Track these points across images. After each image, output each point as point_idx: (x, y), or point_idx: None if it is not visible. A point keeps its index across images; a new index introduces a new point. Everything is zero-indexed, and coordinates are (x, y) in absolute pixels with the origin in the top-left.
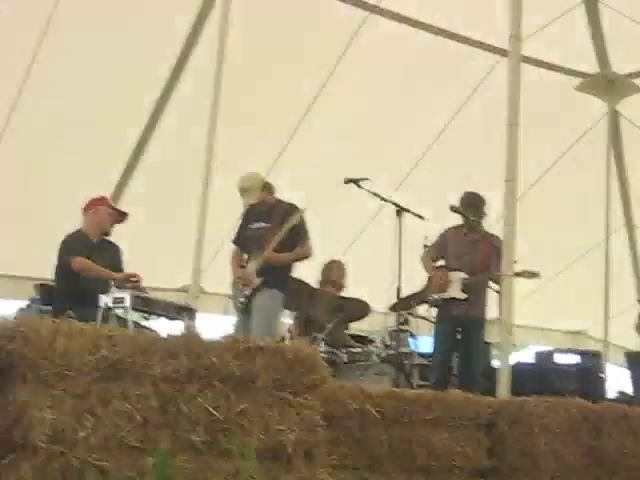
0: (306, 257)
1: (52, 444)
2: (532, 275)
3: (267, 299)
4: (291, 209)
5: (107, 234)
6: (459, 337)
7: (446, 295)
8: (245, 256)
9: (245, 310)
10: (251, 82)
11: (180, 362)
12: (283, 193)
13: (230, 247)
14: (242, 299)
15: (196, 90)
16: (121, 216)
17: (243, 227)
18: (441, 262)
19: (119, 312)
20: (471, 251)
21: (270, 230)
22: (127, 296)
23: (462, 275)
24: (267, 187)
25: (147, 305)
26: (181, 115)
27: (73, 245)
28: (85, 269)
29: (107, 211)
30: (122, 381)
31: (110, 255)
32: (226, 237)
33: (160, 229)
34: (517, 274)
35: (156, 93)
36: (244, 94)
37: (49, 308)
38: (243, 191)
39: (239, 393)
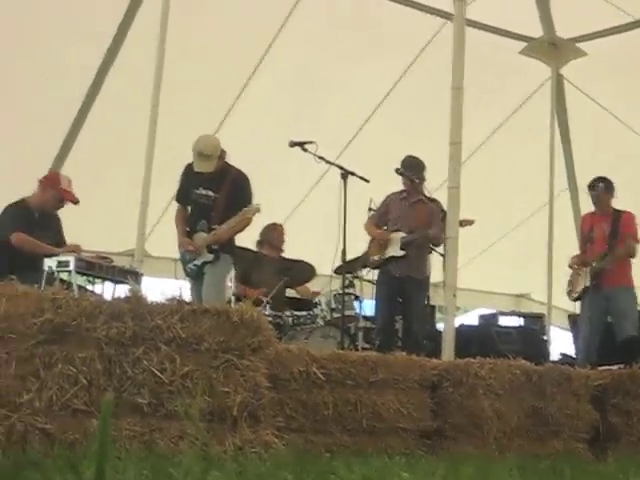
0: (250, 223)
1: None
2: (467, 223)
3: (219, 266)
4: (239, 177)
5: (51, 214)
6: (401, 300)
7: (385, 255)
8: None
9: (197, 276)
10: (195, 46)
11: (125, 324)
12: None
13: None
14: (192, 266)
15: (140, 53)
16: (72, 202)
17: (188, 187)
18: (384, 229)
19: (63, 276)
20: (411, 214)
21: (218, 201)
22: (71, 260)
23: (401, 234)
24: (223, 153)
25: (92, 269)
26: (126, 76)
27: (14, 218)
28: (25, 245)
29: (53, 194)
30: (66, 344)
31: (53, 228)
32: (170, 201)
33: (105, 193)
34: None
35: (99, 57)
36: (188, 58)
37: None
38: (204, 157)
39: (184, 355)
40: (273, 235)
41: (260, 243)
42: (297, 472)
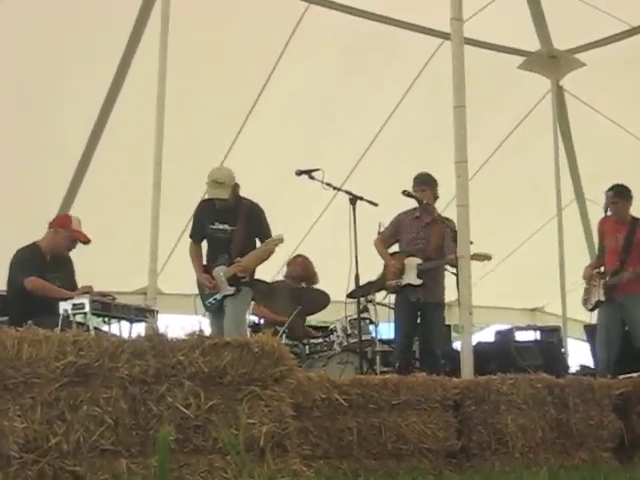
0: (272, 253)
1: (24, 453)
2: (484, 258)
3: (239, 299)
4: (254, 208)
5: (62, 256)
6: (419, 321)
7: (402, 282)
8: (203, 249)
9: (217, 310)
10: (196, 79)
11: (147, 362)
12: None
13: (186, 244)
14: (212, 300)
15: (141, 90)
16: (83, 242)
17: (202, 224)
18: (395, 247)
19: (78, 318)
20: (424, 236)
21: (236, 234)
22: (86, 302)
23: (417, 261)
24: (237, 186)
25: (107, 309)
26: (128, 117)
27: (26, 263)
28: (39, 289)
29: (65, 235)
30: (90, 385)
31: (65, 271)
32: (179, 238)
33: (113, 232)
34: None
35: (102, 96)
36: (189, 91)
37: (4, 319)
38: (217, 184)
39: (208, 389)
40: (290, 267)
41: (288, 277)
42: None
